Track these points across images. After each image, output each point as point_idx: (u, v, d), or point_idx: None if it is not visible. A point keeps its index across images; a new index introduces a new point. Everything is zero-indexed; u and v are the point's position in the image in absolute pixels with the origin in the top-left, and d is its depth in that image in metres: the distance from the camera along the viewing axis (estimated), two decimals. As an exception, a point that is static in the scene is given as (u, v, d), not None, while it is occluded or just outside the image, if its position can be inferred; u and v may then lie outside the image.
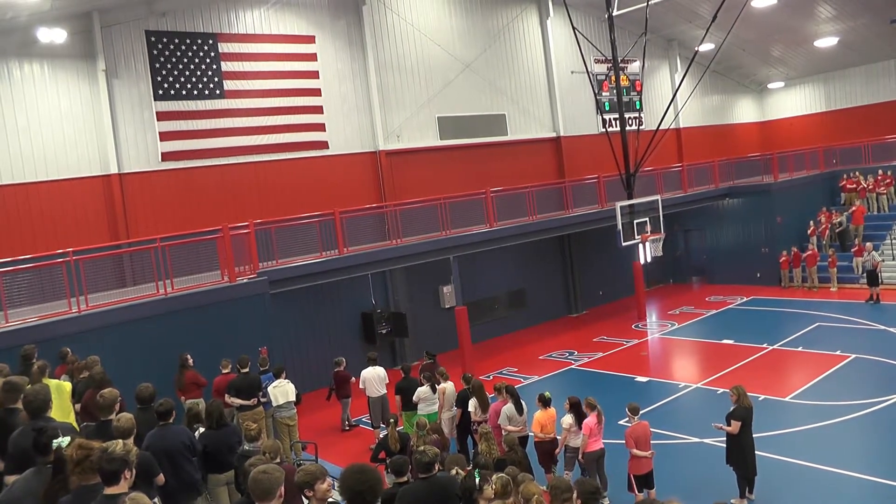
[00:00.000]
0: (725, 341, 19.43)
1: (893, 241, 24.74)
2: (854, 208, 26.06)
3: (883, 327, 18.95)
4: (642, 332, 21.92)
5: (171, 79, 17.97)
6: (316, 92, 20.43)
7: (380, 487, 4.57)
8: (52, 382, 7.77)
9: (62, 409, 7.39)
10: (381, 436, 11.95)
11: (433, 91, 23.07)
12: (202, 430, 8.73)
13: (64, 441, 4.67)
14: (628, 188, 22.25)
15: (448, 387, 12.67)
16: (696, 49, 23.04)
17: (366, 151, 21.54)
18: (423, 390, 12.61)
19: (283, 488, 4.39)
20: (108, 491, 4.28)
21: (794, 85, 36.18)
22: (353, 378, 15.12)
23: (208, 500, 8.39)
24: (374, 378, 14.18)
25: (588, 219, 22.72)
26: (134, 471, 4.40)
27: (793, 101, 36.49)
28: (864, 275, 22.77)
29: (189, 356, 12.54)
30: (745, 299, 24.55)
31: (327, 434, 15.03)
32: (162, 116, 17.84)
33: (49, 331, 11.82)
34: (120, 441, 4.42)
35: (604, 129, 23.10)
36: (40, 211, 16.19)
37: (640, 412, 10.50)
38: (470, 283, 21.91)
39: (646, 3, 20.65)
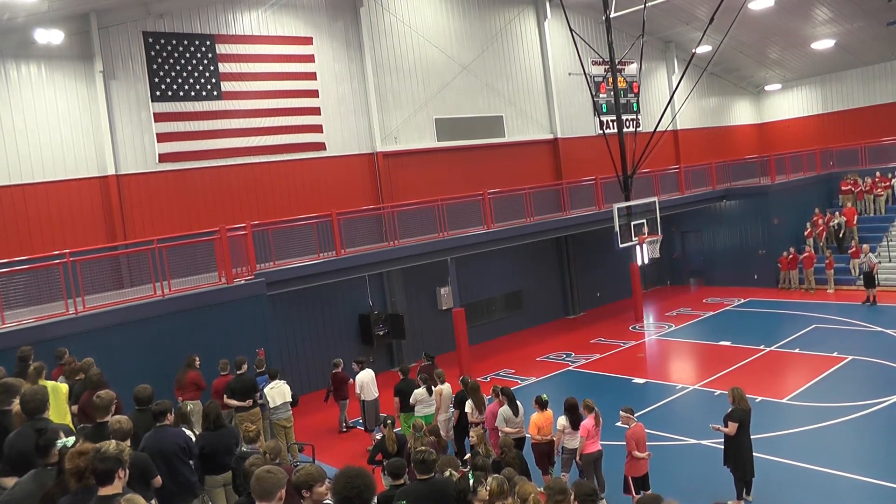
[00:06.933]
0: (723, 343, 19.46)
1: (890, 244, 24.80)
2: (845, 210, 26.17)
3: (880, 329, 18.98)
4: (639, 334, 21.93)
5: (168, 80, 17.94)
6: (313, 93, 20.43)
7: (370, 492, 4.52)
8: (49, 384, 7.76)
9: (58, 410, 7.37)
10: (377, 438, 11.95)
11: (431, 93, 23.08)
12: (186, 430, 8.70)
13: (69, 441, 4.64)
14: (626, 190, 22.27)
15: (445, 388, 12.66)
16: (694, 51, 23.08)
17: (363, 153, 21.53)
18: (419, 392, 12.60)
19: (283, 491, 4.38)
20: (103, 492, 4.23)
21: (791, 87, 36.27)
22: (352, 380, 15.13)
23: (205, 502, 8.37)
24: (370, 381, 14.20)
25: (585, 220, 22.74)
26: (128, 470, 4.35)
27: (790, 104, 36.58)
28: (861, 277, 22.83)
29: (197, 358, 12.52)
30: (742, 301, 24.59)
31: (325, 435, 15.01)
32: (159, 118, 17.82)
33: (46, 332, 11.79)
34: (113, 441, 4.38)
35: (601, 131, 23.10)
36: (37, 212, 16.14)
37: (636, 414, 10.52)
38: (467, 284, 21.91)
39: (643, 5, 20.66)
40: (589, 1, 25.62)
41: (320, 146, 20.59)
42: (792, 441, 12.32)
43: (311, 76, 20.42)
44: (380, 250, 17.82)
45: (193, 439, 8.31)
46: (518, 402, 11.23)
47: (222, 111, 18.74)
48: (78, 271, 12.63)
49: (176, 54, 18.07)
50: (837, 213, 26.54)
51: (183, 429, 8.67)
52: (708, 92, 34.06)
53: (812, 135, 34.43)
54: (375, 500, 6.19)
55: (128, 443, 5.52)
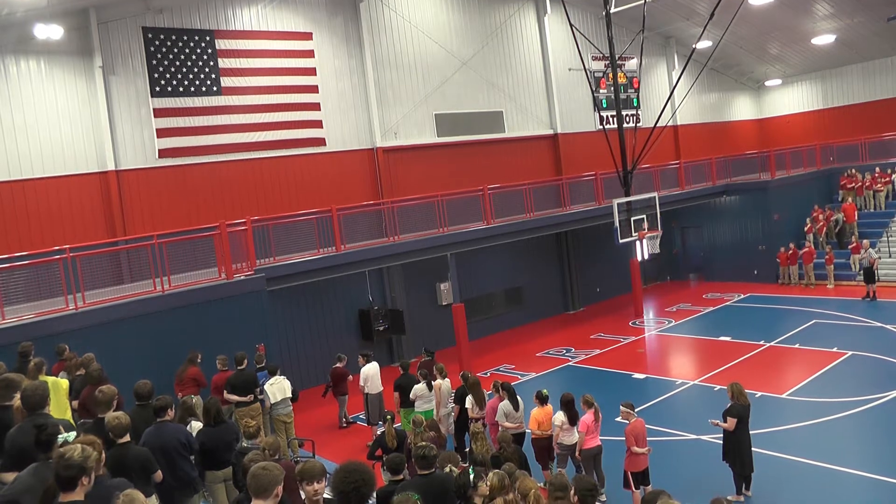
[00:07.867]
0: (722, 338, 19.47)
1: (890, 239, 24.79)
2: (844, 205, 26.17)
3: (879, 324, 18.99)
4: (639, 330, 21.94)
5: (168, 75, 17.92)
6: (313, 89, 20.41)
7: (368, 488, 4.52)
8: (49, 379, 7.78)
9: (59, 406, 7.39)
10: (378, 433, 11.96)
11: (430, 88, 23.05)
12: (194, 423, 8.72)
13: (70, 436, 4.62)
14: (626, 185, 22.25)
15: (444, 383, 12.66)
16: (694, 46, 23.02)
17: (363, 148, 21.51)
18: (419, 388, 12.61)
19: (280, 487, 4.37)
20: (64, 498, 4.11)
21: (791, 82, 36.22)
22: (352, 375, 15.11)
23: (205, 497, 8.39)
24: (375, 374, 14.18)
25: (585, 216, 22.74)
26: (92, 476, 4.24)
27: (790, 99, 36.54)
28: (861, 272, 22.82)
29: (199, 355, 12.52)
30: (742, 296, 24.59)
31: (324, 431, 15.03)
32: (159, 113, 17.80)
33: (46, 328, 11.82)
34: (79, 446, 4.24)
35: (601, 127, 23.09)
36: (37, 208, 16.15)
37: (636, 409, 10.52)
38: (467, 280, 21.91)
39: (643, 1, 20.63)
40: (589, -4, 25.60)
41: (320, 142, 20.57)
42: (791, 436, 12.33)
43: (311, 72, 20.40)
44: (380, 246, 17.81)
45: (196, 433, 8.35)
46: (518, 397, 11.24)
47: (222, 107, 18.73)
48: (78, 267, 12.64)
49: (175, 50, 18.04)
50: (837, 208, 26.54)
51: (191, 421, 8.71)
52: (708, 87, 34.03)
53: (812, 130, 34.39)
54: (374, 496, 6.19)
55: (127, 438, 5.49)
